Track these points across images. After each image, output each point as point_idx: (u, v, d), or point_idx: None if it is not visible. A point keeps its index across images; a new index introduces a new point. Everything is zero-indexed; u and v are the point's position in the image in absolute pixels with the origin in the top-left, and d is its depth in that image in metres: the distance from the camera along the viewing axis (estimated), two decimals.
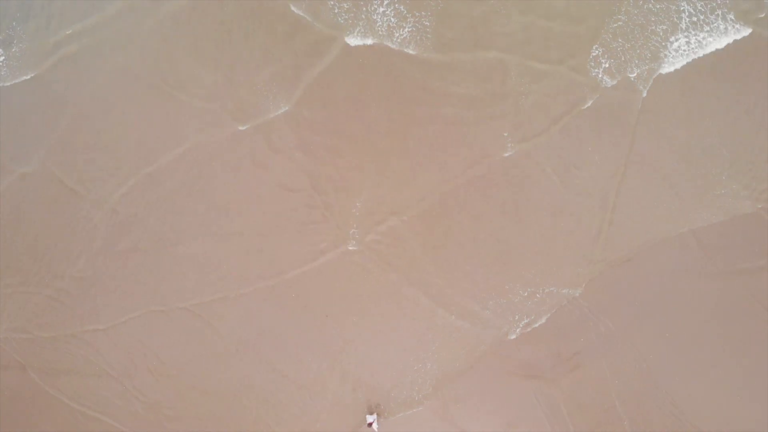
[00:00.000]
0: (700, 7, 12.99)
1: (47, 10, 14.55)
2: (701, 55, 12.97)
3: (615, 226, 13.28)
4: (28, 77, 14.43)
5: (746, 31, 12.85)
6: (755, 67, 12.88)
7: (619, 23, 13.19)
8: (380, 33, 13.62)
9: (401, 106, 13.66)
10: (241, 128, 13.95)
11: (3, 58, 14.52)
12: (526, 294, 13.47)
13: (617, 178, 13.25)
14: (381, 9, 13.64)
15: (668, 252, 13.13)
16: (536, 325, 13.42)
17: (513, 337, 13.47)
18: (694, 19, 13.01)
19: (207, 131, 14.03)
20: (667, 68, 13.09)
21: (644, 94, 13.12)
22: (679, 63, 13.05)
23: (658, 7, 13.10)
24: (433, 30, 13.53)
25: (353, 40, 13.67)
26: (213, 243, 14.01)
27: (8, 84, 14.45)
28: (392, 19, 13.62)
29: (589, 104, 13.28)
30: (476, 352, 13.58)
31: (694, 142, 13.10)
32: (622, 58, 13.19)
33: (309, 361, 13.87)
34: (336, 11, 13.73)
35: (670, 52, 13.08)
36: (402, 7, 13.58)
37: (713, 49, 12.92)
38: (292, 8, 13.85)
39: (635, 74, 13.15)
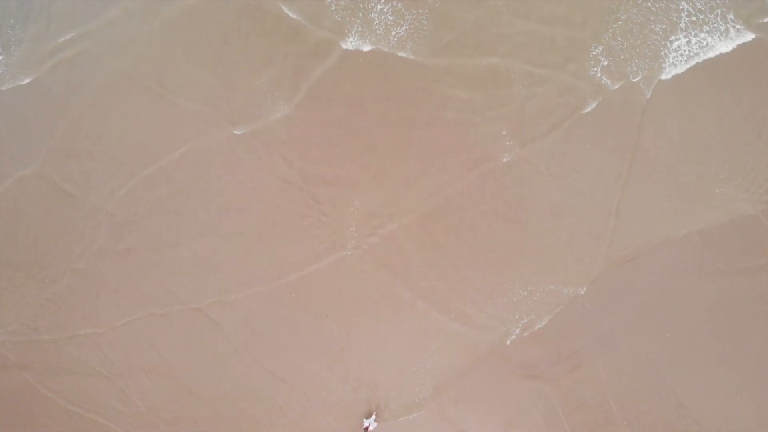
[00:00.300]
0: (699, 6, 12.79)
1: (46, 14, 14.54)
2: (703, 59, 12.83)
3: (617, 227, 13.21)
4: (28, 80, 14.46)
5: (749, 36, 12.68)
6: (756, 69, 12.72)
7: (619, 23, 13.02)
8: (377, 32, 13.50)
9: (402, 108, 13.60)
10: (238, 132, 13.94)
11: (2, 57, 14.55)
12: (525, 293, 13.45)
13: (620, 178, 13.15)
14: (379, 6, 13.53)
15: (668, 252, 13.06)
16: (537, 326, 13.40)
17: (513, 337, 13.48)
18: (694, 18, 12.83)
19: (206, 134, 14.03)
20: (669, 71, 12.96)
21: (648, 96, 12.98)
22: (682, 66, 12.93)
23: (657, 6, 12.91)
24: (431, 30, 13.40)
25: (351, 41, 13.57)
26: (213, 243, 14.06)
27: (7, 87, 14.49)
28: (390, 17, 13.51)
29: (591, 107, 13.18)
30: (476, 353, 13.60)
31: (694, 144, 12.98)
32: (622, 57, 13.03)
33: (309, 362, 13.95)
34: (333, 8, 13.62)
35: (670, 52, 12.92)
36: (400, 5, 13.45)
37: (716, 54, 12.79)
38: (286, 11, 13.74)
39: (639, 78, 13.01)
